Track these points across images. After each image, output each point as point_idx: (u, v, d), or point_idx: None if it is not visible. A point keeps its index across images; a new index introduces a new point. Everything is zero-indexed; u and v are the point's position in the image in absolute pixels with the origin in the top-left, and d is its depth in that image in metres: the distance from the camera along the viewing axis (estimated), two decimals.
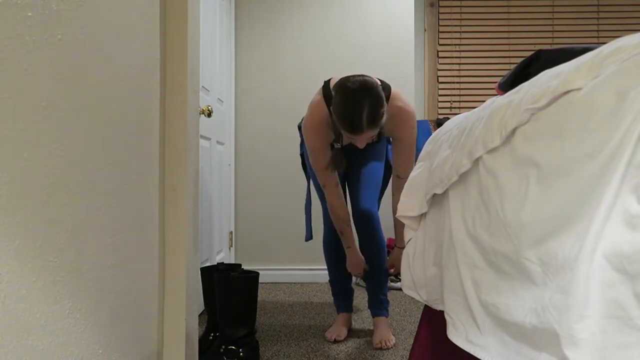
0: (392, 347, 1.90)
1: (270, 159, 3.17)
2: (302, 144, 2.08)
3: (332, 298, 2.17)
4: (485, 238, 0.85)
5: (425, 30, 3.59)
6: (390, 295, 2.17)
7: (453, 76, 3.61)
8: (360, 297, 2.67)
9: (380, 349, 1.89)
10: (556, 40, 3.57)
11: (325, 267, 2.16)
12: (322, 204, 2.06)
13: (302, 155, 2.15)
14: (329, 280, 2.16)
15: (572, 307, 0.67)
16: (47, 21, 0.75)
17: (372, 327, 2.13)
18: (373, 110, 1.59)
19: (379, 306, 2.04)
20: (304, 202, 2.11)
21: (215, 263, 2.45)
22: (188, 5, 1.32)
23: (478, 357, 0.85)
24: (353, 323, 2.20)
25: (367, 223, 1.97)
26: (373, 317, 2.05)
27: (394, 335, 2.00)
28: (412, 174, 1.33)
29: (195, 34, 1.40)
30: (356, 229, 2.00)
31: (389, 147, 2.03)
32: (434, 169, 1.11)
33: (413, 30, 3.24)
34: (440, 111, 3.60)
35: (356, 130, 1.61)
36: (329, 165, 1.84)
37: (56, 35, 0.77)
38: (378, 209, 2.02)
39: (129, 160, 1.07)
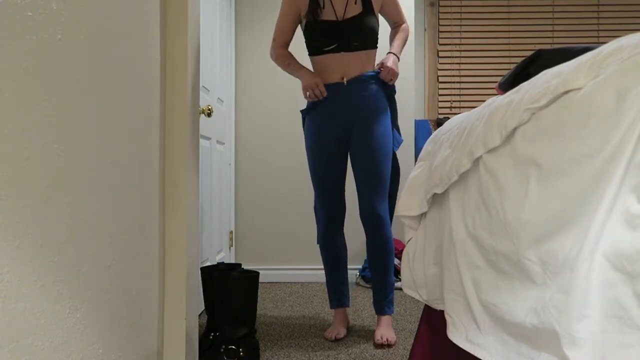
0: (393, 346, 1.90)
1: (271, 159, 3.17)
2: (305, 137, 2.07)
3: (327, 294, 2.15)
4: (485, 238, 0.85)
5: (425, 29, 3.59)
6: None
7: (453, 76, 3.61)
8: (361, 297, 2.67)
9: (382, 345, 1.89)
10: (556, 40, 3.57)
11: None
12: (315, 198, 2.06)
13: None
14: (325, 275, 2.14)
15: (572, 306, 0.67)
16: (47, 21, 0.75)
17: (372, 327, 2.13)
18: None
19: (382, 305, 2.03)
20: (304, 202, 2.10)
21: (215, 263, 2.45)
22: (188, 5, 1.32)
23: (478, 356, 0.85)
24: (353, 322, 2.20)
25: (375, 225, 1.97)
26: (377, 314, 2.05)
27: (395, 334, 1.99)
28: (412, 173, 1.33)
29: (195, 34, 1.40)
30: (364, 229, 2.00)
31: (395, 133, 2.04)
32: (434, 169, 1.11)
33: (413, 30, 3.23)
34: (440, 111, 3.60)
35: None
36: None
37: (56, 35, 0.77)
38: (389, 205, 2.01)
39: (129, 160, 1.07)
